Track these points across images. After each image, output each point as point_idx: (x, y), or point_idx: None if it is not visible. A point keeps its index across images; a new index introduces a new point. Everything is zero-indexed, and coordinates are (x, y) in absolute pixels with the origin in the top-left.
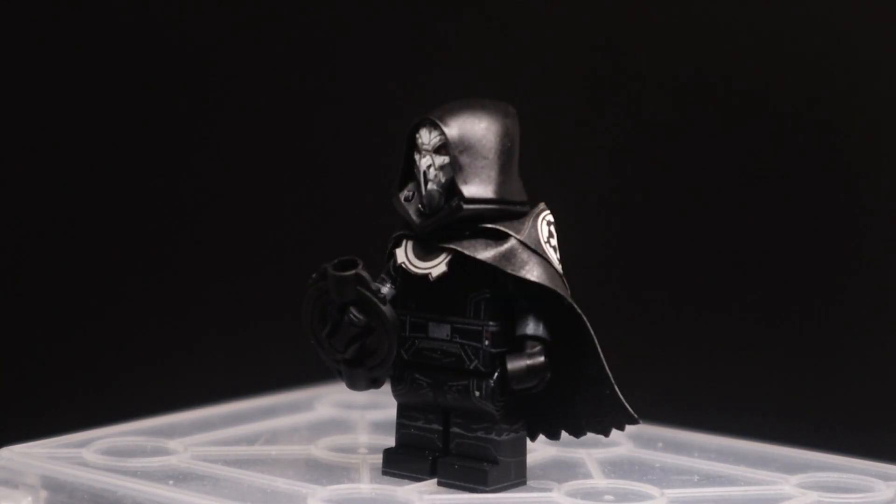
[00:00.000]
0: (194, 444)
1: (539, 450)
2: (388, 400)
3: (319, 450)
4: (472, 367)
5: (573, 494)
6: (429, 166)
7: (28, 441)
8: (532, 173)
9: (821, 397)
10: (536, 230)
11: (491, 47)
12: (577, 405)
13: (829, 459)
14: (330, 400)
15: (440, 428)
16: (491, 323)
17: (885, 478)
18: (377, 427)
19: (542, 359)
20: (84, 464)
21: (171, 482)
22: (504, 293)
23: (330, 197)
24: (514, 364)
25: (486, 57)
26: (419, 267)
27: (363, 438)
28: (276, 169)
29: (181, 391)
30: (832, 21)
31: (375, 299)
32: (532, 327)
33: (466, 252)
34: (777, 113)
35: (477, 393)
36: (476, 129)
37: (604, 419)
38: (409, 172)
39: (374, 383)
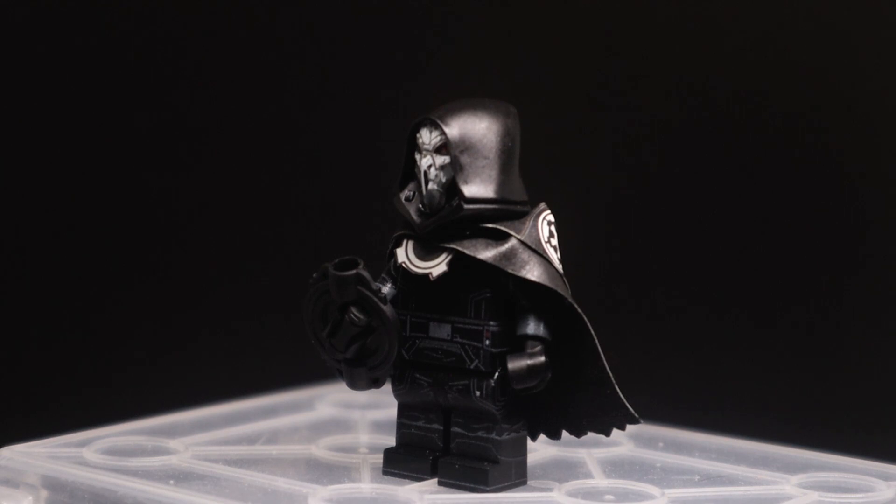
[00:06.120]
0: (195, 443)
1: (540, 449)
2: (389, 399)
3: (320, 449)
4: (472, 366)
5: (574, 494)
6: (429, 166)
7: (28, 441)
8: (533, 173)
9: (821, 397)
10: (537, 230)
11: (492, 47)
12: (578, 405)
13: (829, 459)
14: (330, 399)
15: (441, 427)
16: (491, 323)
17: (886, 478)
18: (378, 427)
19: (542, 358)
20: (85, 463)
21: (171, 482)
22: (505, 293)
23: (330, 197)
24: (514, 364)
25: (487, 57)
26: (420, 266)
27: (364, 438)
28: (277, 169)
29: (181, 391)
30: (833, 22)
31: (376, 299)
32: (533, 327)
33: (467, 252)
34: (778, 114)
35: (478, 393)
36: (477, 128)
37: (604, 419)
38: (410, 172)
39: (375, 383)
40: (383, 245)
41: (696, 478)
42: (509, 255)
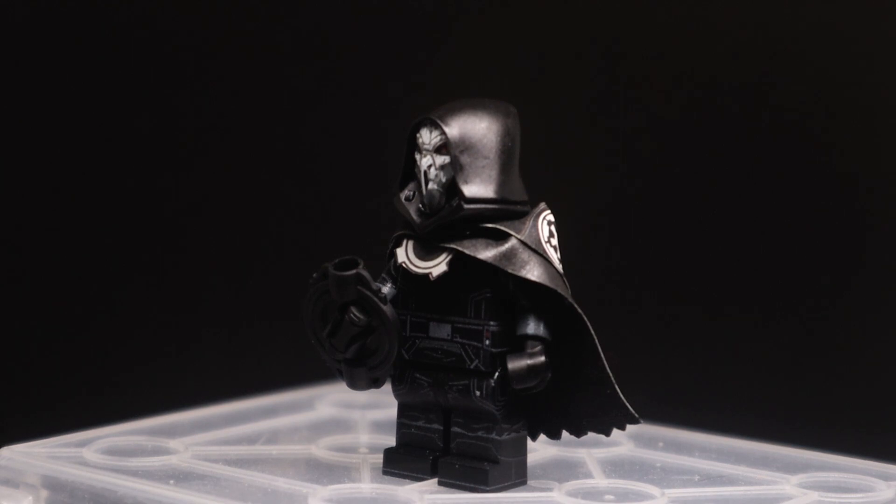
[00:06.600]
0: (195, 443)
1: (540, 449)
2: (389, 399)
3: (320, 449)
4: (472, 366)
5: (574, 494)
6: (429, 166)
7: (28, 441)
8: (533, 173)
9: (821, 397)
10: (537, 230)
11: (492, 47)
12: (578, 405)
13: (829, 459)
14: (330, 399)
15: (441, 427)
16: (492, 322)
17: (885, 478)
18: (378, 426)
19: (542, 358)
20: (85, 463)
21: (171, 482)
22: (505, 293)
23: (330, 197)
24: (514, 364)
25: (487, 57)
26: (420, 266)
27: (364, 438)
28: (277, 169)
29: (181, 391)
30: (834, 22)
31: (376, 299)
32: (533, 327)
33: (467, 252)
34: (777, 114)
35: (478, 392)
36: (477, 128)
37: (605, 418)
38: (410, 172)
39: (375, 383)
40: (383, 245)
41: (696, 478)
42: (509, 255)
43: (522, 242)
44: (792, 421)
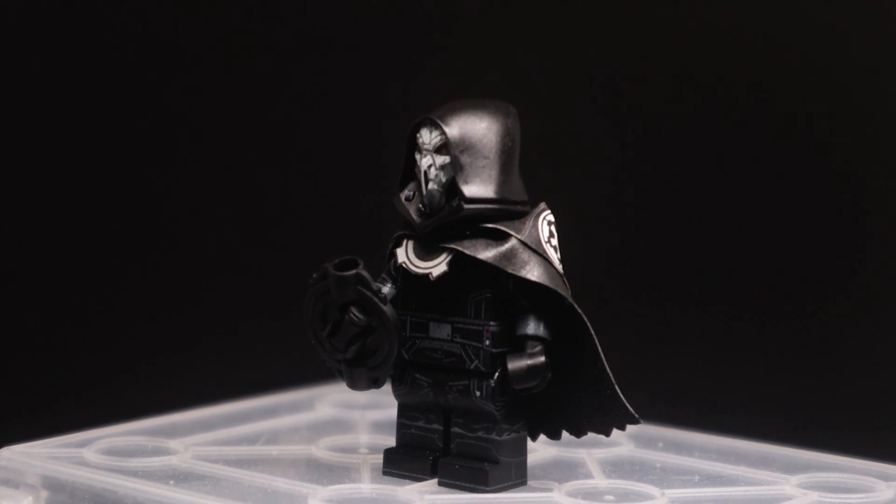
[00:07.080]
0: (195, 443)
1: (540, 450)
2: (389, 400)
3: (320, 450)
4: (472, 366)
5: (574, 494)
6: (429, 166)
7: (28, 441)
8: (533, 173)
9: (821, 397)
10: (537, 230)
11: (492, 47)
12: (578, 405)
13: (829, 459)
14: (330, 400)
15: (441, 428)
16: (492, 323)
17: (885, 478)
18: (378, 427)
19: (542, 359)
20: (85, 464)
21: (171, 482)
22: (505, 293)
23: (330, 197)
24: (514, 364)
25: (487, 57)
26: (420, 267)
27: (364, 438)
28: (277, 169)
29: (181, 391)
30: (834, 22)
31: (376, 299)
32: (533, 327)
33: (467, 252)
34: (777, 114)
35: (478, 393)
36: (477, 128)
37: (605, 419)
38: (410, 172)
39: (375, 383)
40: (383, 245)
41: (696, 478)
42: (509, 255)
43: (522, 242)
44: (792, 421)
